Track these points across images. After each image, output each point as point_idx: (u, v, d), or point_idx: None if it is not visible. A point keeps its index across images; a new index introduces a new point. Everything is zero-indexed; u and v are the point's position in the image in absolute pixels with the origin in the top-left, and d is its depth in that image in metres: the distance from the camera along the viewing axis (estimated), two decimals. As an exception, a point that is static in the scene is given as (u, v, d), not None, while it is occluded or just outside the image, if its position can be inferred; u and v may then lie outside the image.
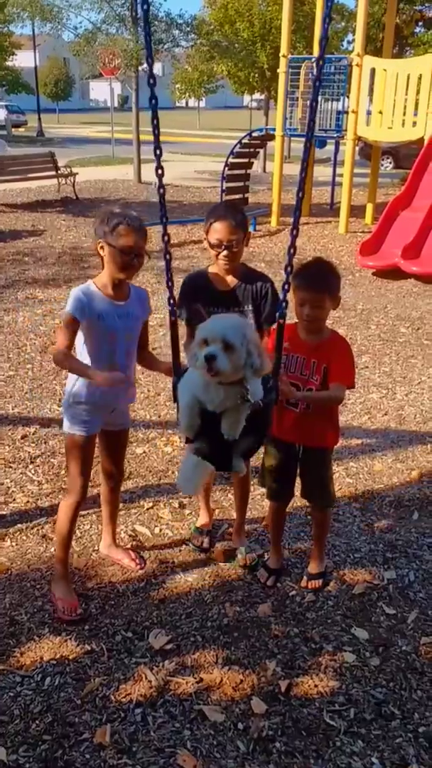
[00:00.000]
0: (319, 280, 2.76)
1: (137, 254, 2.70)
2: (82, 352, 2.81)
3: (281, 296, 2.48)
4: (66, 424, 2.92)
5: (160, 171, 2.36)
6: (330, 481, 3.09)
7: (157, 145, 2.30)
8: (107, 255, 2.70)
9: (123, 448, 3.20)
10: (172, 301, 2.55)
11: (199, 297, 2.97)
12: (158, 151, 2.32)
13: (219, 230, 2.87)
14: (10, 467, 4.16)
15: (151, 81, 2.22)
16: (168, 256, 2.45)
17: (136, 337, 2.90)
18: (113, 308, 2.76)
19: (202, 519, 3.53)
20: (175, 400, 2.55)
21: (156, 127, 2.29)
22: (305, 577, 3.17)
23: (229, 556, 3.34)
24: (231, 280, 2.99)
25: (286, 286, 2.44)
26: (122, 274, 2.74)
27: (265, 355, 2.32)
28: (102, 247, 2.70)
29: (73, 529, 3.06)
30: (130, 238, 2.65)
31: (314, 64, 2.57)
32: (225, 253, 2.89)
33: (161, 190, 2.39)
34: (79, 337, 2.77)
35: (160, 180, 2.36)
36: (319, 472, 3.04)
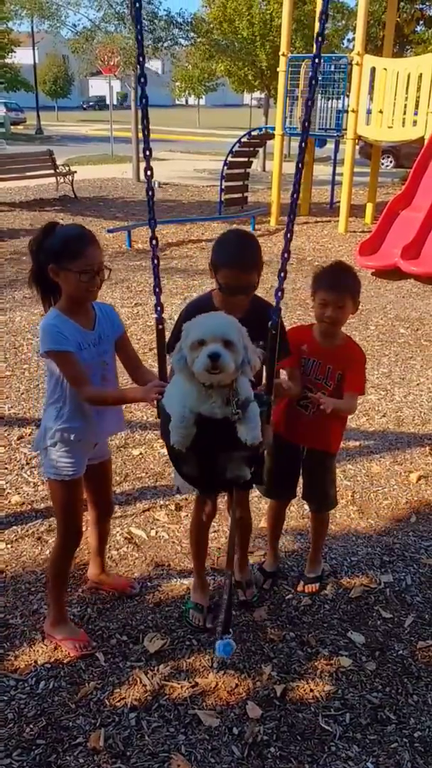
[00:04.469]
0: (341, 281, 2.78)
1: (98, 270, 2.41)
2: (54, 389, 2.53)
3: (275, 302, 2.30)
4: (49, 468, 2.60)
5: (149, 172, 2.29)
6: (332, 485, 3.09)
7: (147, 146, 2.25)
8: (64, 280, 2.40)
9: (109, 480, 2.98)
10: (159, 309, 2.37)
11: None
12: (148, 152, 2.27)
13: (227, 276, 2.48)
14: (6, 468, 4.14)
15: (142, 80, 2.18)
16: (156, 261, 2.36)
17: (112, 358, 2.63)
18: (86, 336, 2.49)
19: (199, 593, 2.98)
20: (159, 416, 2.33)
21: (146, 128, 2.22)
22: (301, 581, 3.15)
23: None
24: (240, 309, 2.49)
25: (279, 293, 2.27)
26: (87, 296, 2.46)
27: (253, 350, 2.20)
28: (56, 273, 2.39)
29: (69, 573, 2.83)
30: (87, 255, 2.37)
31: (312, 61, 2.53)
32: (232, 298, 2.51)
33: (150, 192, 2.30)
34: (51, 373, 2.52)
35: (149, 181, 2.29)
36: (323, 475, 3.03)
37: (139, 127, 14.52)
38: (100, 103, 62.45)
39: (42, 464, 2.70)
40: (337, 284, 2.75)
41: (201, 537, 2.92)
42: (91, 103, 58.12)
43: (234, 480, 2.31)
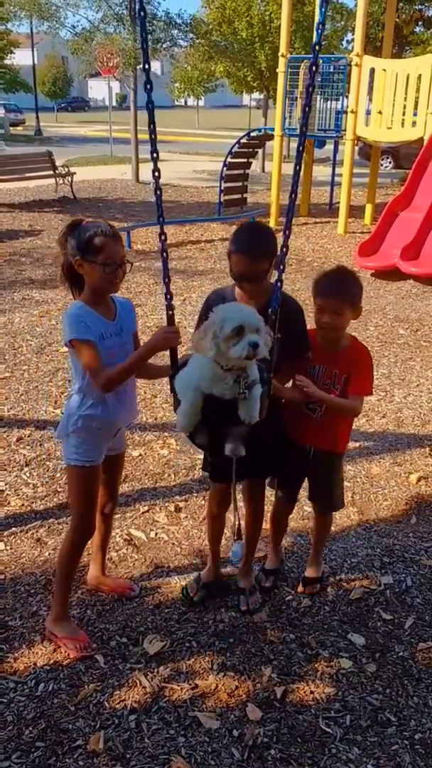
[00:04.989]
0: (339, 287, 2.72)
1: (120, 263, 2.54)
2: (79, 378, 2.62)
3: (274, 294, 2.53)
4: (70, 454, 2.66)
5: (156, 173, 2.46)
6: (337, 486, 3.07)
7: (154, 148, 2.44)
8: (89, 272, 2.53)
9: (120, 473, 3.06)
10: (169, 296, 2.56)
11: None
12: (155, 154, 2.44)
13: (239, 263, 2.62)
14: (5, 470, 4.13)
15: (148, 86, 2.34)
16: (165, 254, 2.57)
17: (131, 352, 2.67)
18: (108, 327, 2.60)
19: (207, 570, 3.13)
20: (173, 391, 2.58)
21: (153, 132, 2.43)
22: (301, 582, 3.15)
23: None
24: (257, 303, 2.61)
25: (279, 284, 2.51)
26: (110, 288, 2.60)
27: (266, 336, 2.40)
28: (80, 265, 2.53)
29: (76, 569, 2.87)
30: (109, 248, 2.50)
31: (309, 69, 2.60)
32: (245, 286, 2.67)
33: (158, 192, 2.50)
34: (76, 362, 2.60)
35: (157, 182, 2.46)
36: (329, 475, 3.02)
37: (138, 128, 14.44)
38: (73, 104, 60.72)
39: (63, 452, 2.74)
40: (334, 291, 2.70)
41: (215, 525, 3.07)
42: (63, 105, 55.52)
43: (234, 453, 2.50)
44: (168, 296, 2.56)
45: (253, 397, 2.39)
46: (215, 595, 3.07)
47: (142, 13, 2.38)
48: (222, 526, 3.08)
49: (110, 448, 2.79)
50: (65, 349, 2.98)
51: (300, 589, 3.12)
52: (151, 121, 2.41)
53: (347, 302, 2.71)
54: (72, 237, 2.54)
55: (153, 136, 2.44)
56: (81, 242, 2.51)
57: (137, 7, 2.43)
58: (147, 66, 2.42)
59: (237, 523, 2.67)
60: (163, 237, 2.58)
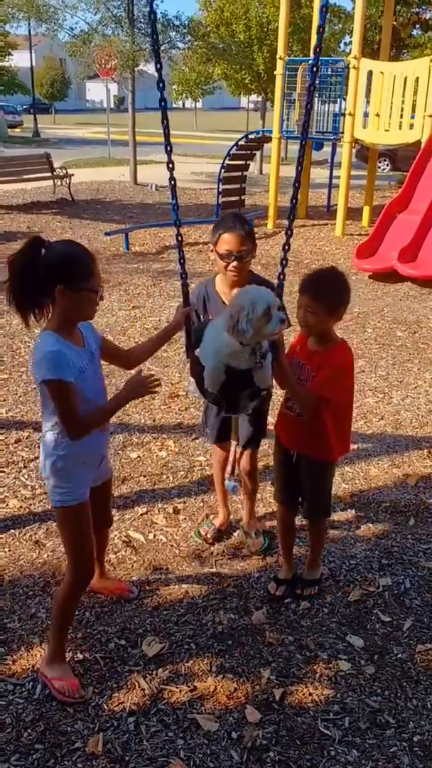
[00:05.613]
0: (318, 286, 2.69)
1: (101, 291, 2.39)
2: (52, 415, 2.38)
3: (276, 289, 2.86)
4: (55, 495, 2.49)
5: (170, 165, 2.76)
6: (319, 495, 2.99)
7: (168, 142, 2.73)
8: (76, 300, 2.29)
9: (109, 497, 2.91)
10: (184, 275, 2.93)
11: (208, 308, 3.09)
12: (169, 148, 2.73)
13: (229, 241, 2.89)
14: (3, 472, 4.13)
15: (161, 84, 2.65)
16: (180, 238, 2.92)
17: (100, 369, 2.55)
18: (82, 356, 2.40)
19: (220, 518, 3.62)
20: (188, 357, 2.91)
21: (166, 128, 2.72)
22: (299, 584, 3.14)
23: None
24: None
25: (281, 276, 2.89)
26: (90, 317, 2.42)
27: None
28: (62, 294, 2.26)
29: (75, 612, 2.73)
30: (97, 272, 2.33)
31: (309, 70, 2.73)
32: (235, 263, 2.92)
33: (173, 182, 2.81)
34: (45, 399, 2.38)
35: (171, 173, 2.77)
36: (310, 481, 2.95)
37: (137, 130, 14.41)
38: (39, 105, 56.18)
39: (48, 491, 2.56)
40: (311, 289, 2.67)
41: (220, 476, 3.46)
42: (25, 106, 50.81)
43: (245, 411, 2.86)
44: (182, 274, 2.93)
45: (266, 366, 2.62)
46: (224, 535, 3.52)
47: (152, 15, 2.61)
48: (224, 475, 3.35)
49: (96, 478, 2.64)
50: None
51: (298, 590, 3.12)
52: (164, 117, 2.66)
53: (322, 302, 2.66)
54: (47, 262, 2.26)
55: (167, 132, 2.70)
56: (63, 268, 2.26)
57: (148, 9, 2.54)
58: (159, 65, 2.61)
59: (234, 460, 2.97)
60: (178, 223, 2.92)
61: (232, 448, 2.94)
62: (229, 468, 2.97)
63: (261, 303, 2.45)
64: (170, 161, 2.74)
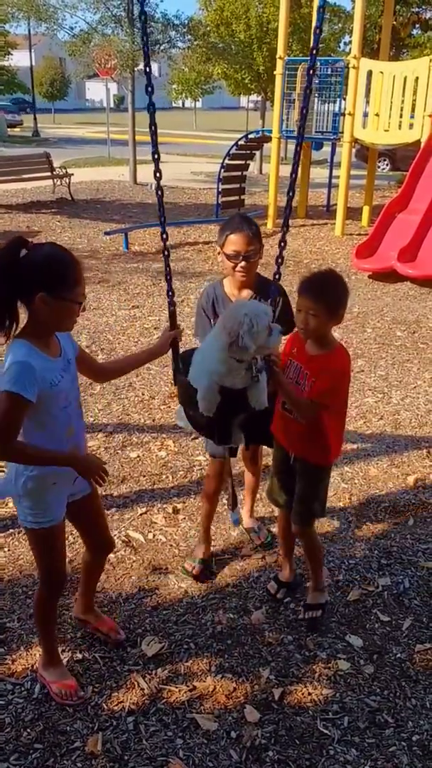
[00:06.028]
0: (319, 288, 2.65)
1: (84, 302, 2.25)
2: (32, 435, 2.22)
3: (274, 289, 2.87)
4: (25, 516, 2.32)
5: (158, 174, 2.55)
6: (310, 498, 2.88)
7: (155, 150, 2.54)
8: (57, 310, 2.13)
9: (100, 515, 2.68)
10: (171, 293, 2.76)
11: (217, 310, 3.05)
12: (156, 155, 2.54)
13: (236, 242, 2.89)
14: (2, 471, 4.12)
15: (149, 89, 2.45)
16: (166, 252, 2.74)
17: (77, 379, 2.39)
18: (56, 367, 2.22)
19: (202, 548, 3.33)
20: (176, 383, 2.80)
21: (154, 133, 2.52)
22: (303, 608, 3.02)
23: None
24: (246, 293, 3.01)
25: (277, 276, 2.80)
26: (70, 327, 2.27)
27: None
28: (44, 302, 2.09)
29: (55, 614, 2.63)
30: (81, 282, 2.17)
31: (306, 72, 2.70)
32: (243, 264, 2.91)
33: (159, 192, 2.61)
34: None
35: (158, 182, 2.57)
36: (302, 484, 2.88)
37: (137, 129, 14.42)
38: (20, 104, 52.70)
39: (17, 510, 2.38)
40: (312, 292, 2.62)
41: (211, 506, 3.33)
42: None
43: (237, 442, 2.75)
44: (170, 293, 2.76)
45: (261, 384, 2.54)
46: (211, 569, 3.30)
47: (142, 18, 2.44)
48: (214, 506, 3.37)
49: (73, 492, 2.43)
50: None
51: (301, 615, 3.00)
52: (152, 122, 2.50)
53: (323, 305, 2.62)
54: (28, 264, 2.08)
55: (154, 137, 2.51)
56: (46, 273, 2.09)
57: (138, 11, 2.46)
58: (148, 68, 2.43)
59: (231, 492, 2.92)
60: (164, 236, 2.72)
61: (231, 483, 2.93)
62: (230, 500, 2.94)
63: (262, 316, 2.38)
64: (157, 169, 2.53)
